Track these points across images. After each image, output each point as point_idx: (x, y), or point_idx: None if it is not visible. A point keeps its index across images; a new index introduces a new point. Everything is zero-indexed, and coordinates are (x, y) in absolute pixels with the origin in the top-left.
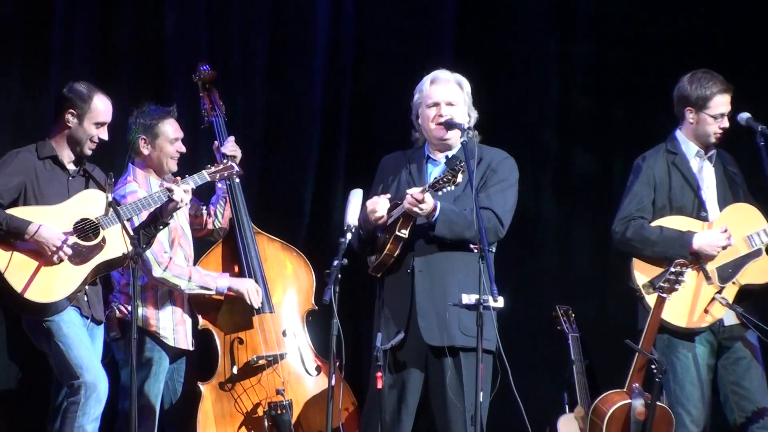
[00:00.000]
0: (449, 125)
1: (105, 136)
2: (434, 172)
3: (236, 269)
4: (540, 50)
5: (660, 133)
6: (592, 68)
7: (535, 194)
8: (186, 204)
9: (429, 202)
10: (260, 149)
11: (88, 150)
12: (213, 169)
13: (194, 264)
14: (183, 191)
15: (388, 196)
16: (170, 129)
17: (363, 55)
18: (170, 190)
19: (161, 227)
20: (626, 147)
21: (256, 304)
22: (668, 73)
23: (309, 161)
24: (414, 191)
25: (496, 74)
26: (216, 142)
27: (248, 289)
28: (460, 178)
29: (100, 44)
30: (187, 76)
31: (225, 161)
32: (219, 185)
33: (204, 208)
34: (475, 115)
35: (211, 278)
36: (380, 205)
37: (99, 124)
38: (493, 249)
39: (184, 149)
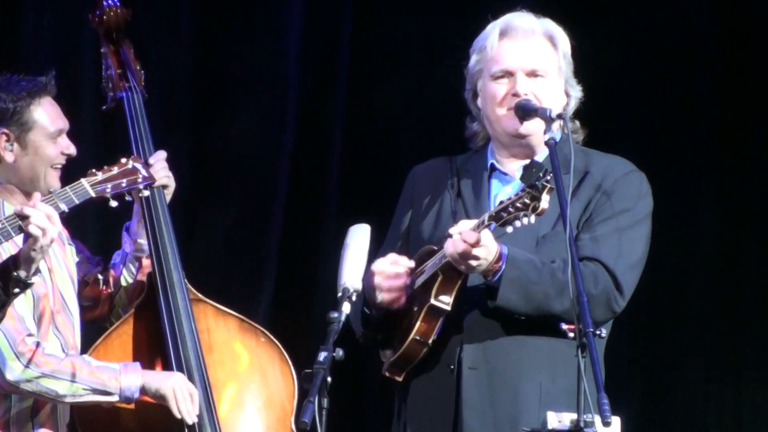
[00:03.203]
0: (525, 111)
1: None
2: (503, 193)
3: (156, 365)
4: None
5: None
6: None
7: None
8: (52, 239)
9: (489, 246)
10: (188, 158)
11: None
12: (100, 176)
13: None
14: (44, 216)
15: (411, 264)
16: (48, 115)
17: None
18: (23, 216)
19: (17, 289)
20: None
21: (189, 418)
22: None
23: (277, 177)
24: (463, 227)
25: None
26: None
27: (175, 388)
28: (545, 202)
29: None
30: (57, 21)
31: (123, 161)
32: (128, 236)
33: (99, 269)
34: (577, 94)
35: (110, 374)
36: (397, 270)
37: None
38: (604, 332)
39: (73, 150)
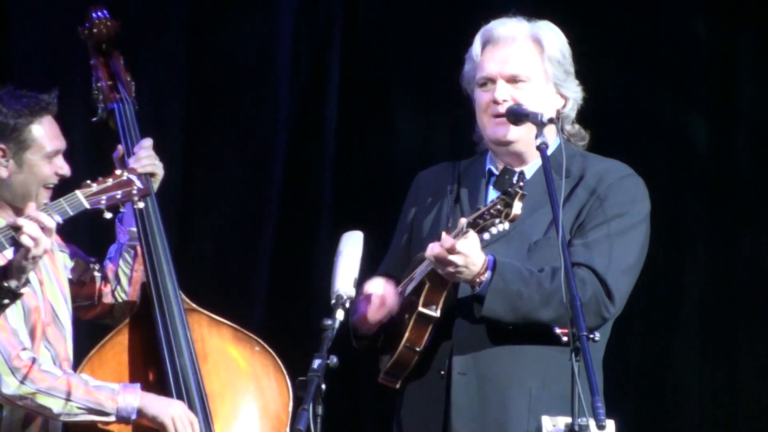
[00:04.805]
0: (516, 115)
1: None
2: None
3: (151, 375)
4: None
5: None
6: None
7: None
8: (45, 250)
9: (471, 255)
10: (180, 165)
11: None
12: (95, 187)
13: (75, 369)
14: (38, 227)
15: (398, 289)
16: (47, 134)
17: None
18: (16, 227)
19: (6, 300)
20: None
21: None
22: None
23: (269, 185)
24: (443, 237)
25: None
26: (120, 148)
27: (174, 417)
28: (518, 209)
29: None
30: (46, 29)
31: (119, 173)
32: (121, 227)
33: (96, 267)
34: (574, 95)
35: (108, 393)
36: (388, 299)
37: None
38: (598, 336)
39: (67, 171)
